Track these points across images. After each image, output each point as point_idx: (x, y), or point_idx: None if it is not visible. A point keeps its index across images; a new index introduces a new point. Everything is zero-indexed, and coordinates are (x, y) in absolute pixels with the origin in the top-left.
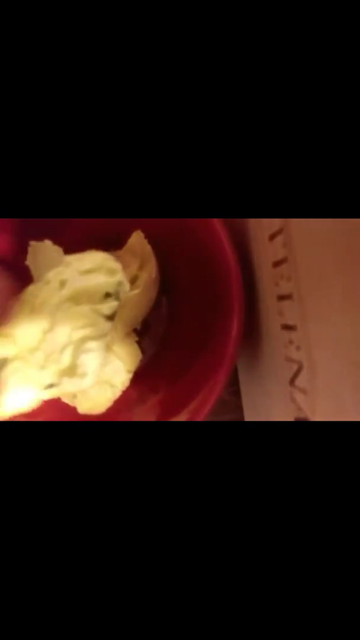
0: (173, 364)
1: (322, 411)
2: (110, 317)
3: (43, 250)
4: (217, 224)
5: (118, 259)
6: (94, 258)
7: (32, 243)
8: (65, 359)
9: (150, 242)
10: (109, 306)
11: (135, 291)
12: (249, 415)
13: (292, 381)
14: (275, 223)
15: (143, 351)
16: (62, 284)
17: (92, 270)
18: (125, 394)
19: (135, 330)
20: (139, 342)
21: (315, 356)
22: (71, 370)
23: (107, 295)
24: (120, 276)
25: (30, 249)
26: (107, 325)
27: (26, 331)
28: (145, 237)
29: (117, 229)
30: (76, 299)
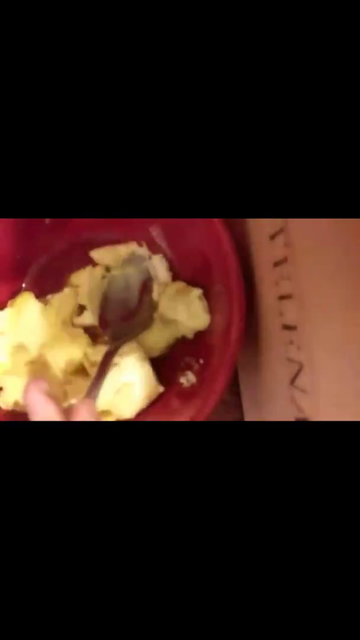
0: (174, 364)
1: (322, 411)
2: None
3: None
4: (218, 224)
5: None
6: None
7: None
8: None
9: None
10: None
11: None
12: (249, 415)
13: (292, 381)
14: (276, 223)
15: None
16: None
17: None
18: None
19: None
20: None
21: (316, 356)
22: None
23: None
24: None
25: None
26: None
27: None
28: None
29: (117, 229)
30: None
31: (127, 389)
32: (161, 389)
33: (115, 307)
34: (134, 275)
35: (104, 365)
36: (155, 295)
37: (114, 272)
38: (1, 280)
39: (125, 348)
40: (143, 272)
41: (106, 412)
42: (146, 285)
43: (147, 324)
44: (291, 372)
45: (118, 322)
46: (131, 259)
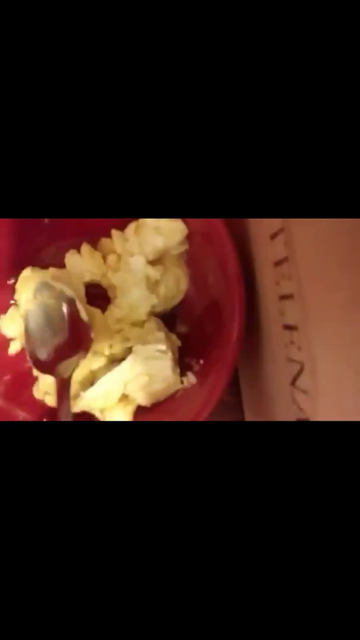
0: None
1: (323, 412)
2: None
3: None
4: (219, 224)
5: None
6: None
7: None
8: None
9: None
10: None
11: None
12: (250, 415)
13: (293, 382)
14: (276, 223)
15: None
16: None
17: None
18: None
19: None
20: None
21: (317, 356)
22: None
23: None
24: None
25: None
26: None
27: None
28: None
29: (117, 228)
30: None
31: (144, 379)
32: (179, 385)
33: (44, 341)
34: (51, 303)
35: (62, 395)
36: (83, 315)
37: (28, 307)
38: (1, 280)
39: (155, 335)
40: (61, 297)
41: (124, 397)
42: (70, 308)
43: (84, 345)
44: (292, 373)
45: (53, 354)
46: (41, 288)
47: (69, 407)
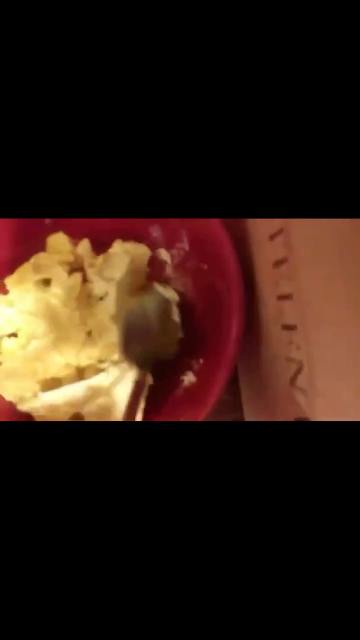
0: (173, 364)
1: (322, 411)
2: None
3: None
4: (217, 224)
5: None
6: None
7: None
8: None
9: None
10: None
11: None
12: (249, 415)
13: (292, 381)
14: (276, 223)
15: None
16: None
17: None
18: None
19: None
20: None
21: (316, 356)
22: None
23: None
24: None
25: None
26: None
27: None
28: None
29: (117, 229)
30: None
31: (105, 402)
32: (140, 417)
33: (136, 337)
34: (151, 305)
35: (136, 397)
36: (175, 317)
37: (131, 305)
38: (0, 280)
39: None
40: (161, 301)
41: (77, 416)
42: (165, 310)
43: (170, 347)
44: (291, 372)
45: (140, 349)
46: (147, 289)
47: (137, 409)
